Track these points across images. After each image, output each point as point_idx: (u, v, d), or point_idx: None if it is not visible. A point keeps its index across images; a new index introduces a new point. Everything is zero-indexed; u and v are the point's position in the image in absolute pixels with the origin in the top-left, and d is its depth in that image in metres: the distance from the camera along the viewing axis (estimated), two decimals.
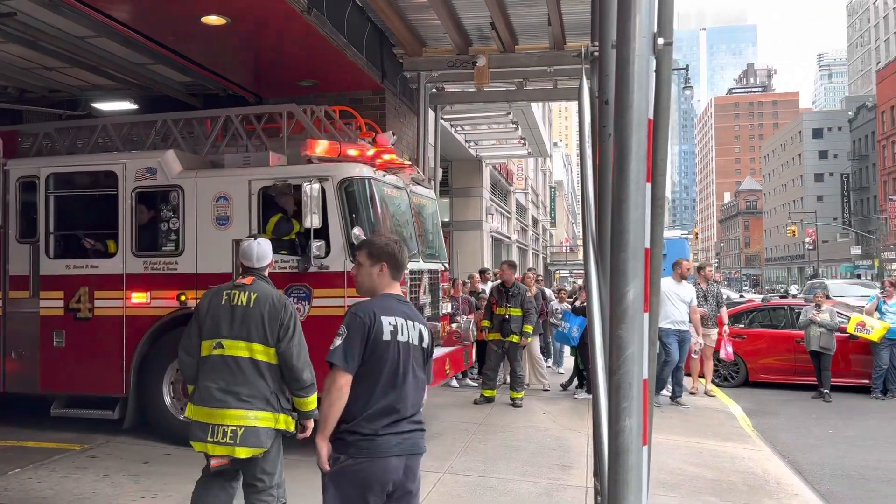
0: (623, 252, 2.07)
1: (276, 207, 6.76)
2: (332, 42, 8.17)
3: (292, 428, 3.84)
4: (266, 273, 4.09)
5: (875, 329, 10.77)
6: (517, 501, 5.44)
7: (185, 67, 9.24)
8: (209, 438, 3.69)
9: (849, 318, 11.24)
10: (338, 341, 2.94)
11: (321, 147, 6.52)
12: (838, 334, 10.87)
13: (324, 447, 2.95)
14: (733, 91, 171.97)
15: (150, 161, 6.98)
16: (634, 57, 2.01)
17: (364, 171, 6.57)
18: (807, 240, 72.58)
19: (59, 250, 7.37)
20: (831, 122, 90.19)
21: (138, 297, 6.93)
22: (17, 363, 7.30)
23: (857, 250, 69.29)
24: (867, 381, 11.00)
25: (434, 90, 11.68)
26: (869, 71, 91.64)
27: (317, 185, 6.14)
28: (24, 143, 7.99)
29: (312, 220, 6.10)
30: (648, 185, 2.11)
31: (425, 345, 3.09)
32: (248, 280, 3.93)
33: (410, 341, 3.04)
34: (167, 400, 6.88)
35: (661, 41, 2.15)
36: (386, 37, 10.22)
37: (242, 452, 3.66)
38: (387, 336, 2.97)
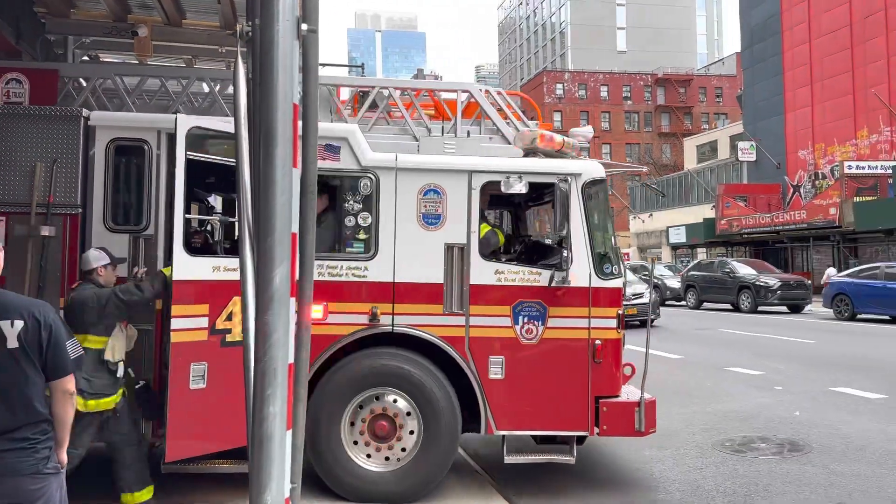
0: (269, 237, 2.04)
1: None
2: None
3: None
4: (94, 276, 4.65)
5: None
6: None
7: None
8: None
9: None
10: None
11: (550, 139, 5.59)
12: None
13: None
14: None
15: (332, 137, 5.31)
16: (278, 39, 2.00)
17: (602, 170, 5.74)
18: None
19: (198, 244, 5.39)
20: None
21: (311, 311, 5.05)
22: None
23: None
24: None
25: (86, 58, 10.41)
26: (515, 85, 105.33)
27: (568, 186, 5.30)
28: (68, 90, 5.82)
29: (567, 227, 5.25)
30: (296, 170, 2.12)
31: (11, 345, 2.60)
32: (75, 285, 4.70)
33: None
34: (346, 446, 5.21)
35: (305, 27, 2.18)
36: None
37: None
38: None
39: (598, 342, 5.38)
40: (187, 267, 4.69)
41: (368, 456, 5.26)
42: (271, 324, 2.06)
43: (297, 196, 2.20)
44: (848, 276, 23.18)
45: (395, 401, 5.25)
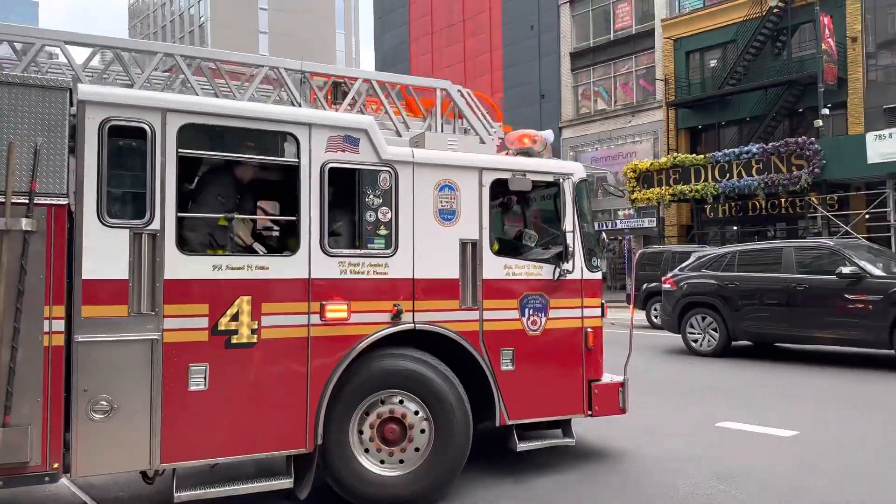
0: None
1: None
2: None
3: None
4: None
5: None
6: None
7: None
8: None
9: None
10: None
11: (541, 141, 5.98)
12: None
13: None
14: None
15: (351, 129, 4.99)
16: None
17: (584, 171, 6.13)
18: None
19: (198, 241, 4.67)
20: None
21: (335, 311, 4.83)
22: (106, 425, 4.23)
23: None
24: None
25: None
26: None
27: (566, 184, 5.75)
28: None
29: (568, 223, 5.68)
30: None
31: None
32: None
33: None
34: (357, 452, 4.89)
35: None
36: None
37: None
38: None
39: (589, 330, 5.81)
40: (181, 266, 4.43)
41: (382, 462, 5.00)
42: None
43: None
44: None
45: (400, 402, 5.05)
